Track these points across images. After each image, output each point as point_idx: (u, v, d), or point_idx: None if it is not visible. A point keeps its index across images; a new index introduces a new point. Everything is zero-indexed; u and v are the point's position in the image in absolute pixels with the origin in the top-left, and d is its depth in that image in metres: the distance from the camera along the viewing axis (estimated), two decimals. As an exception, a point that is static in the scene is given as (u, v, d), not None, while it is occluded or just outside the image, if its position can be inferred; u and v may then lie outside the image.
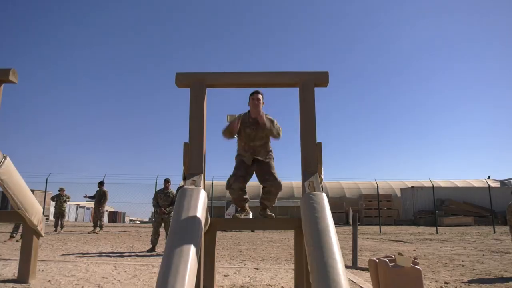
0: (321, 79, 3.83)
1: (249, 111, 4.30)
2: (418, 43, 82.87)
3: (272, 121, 4.22)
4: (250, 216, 4.78)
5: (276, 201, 4.42)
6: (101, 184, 14.09)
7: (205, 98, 3.80)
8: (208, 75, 3.86)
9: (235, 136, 4.38)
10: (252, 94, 4.24)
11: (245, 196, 4.34)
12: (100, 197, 13.77)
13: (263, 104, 4.24)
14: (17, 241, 9.59)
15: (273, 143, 4.49)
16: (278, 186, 4.26)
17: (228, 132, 4.20)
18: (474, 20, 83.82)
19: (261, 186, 4.37)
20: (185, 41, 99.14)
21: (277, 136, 4.27)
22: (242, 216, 4.40)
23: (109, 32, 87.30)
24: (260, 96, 4.20)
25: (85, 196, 14.17)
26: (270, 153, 4.43)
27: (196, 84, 3.80)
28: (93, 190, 14.25)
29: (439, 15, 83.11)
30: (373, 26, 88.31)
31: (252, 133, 4.25)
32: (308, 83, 3.78)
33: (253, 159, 4.32)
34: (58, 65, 77.03)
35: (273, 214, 4.42)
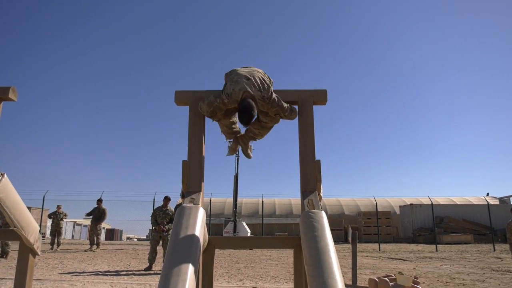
0: (320, 97, 3.85)
1: None
2: (416, 58, 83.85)
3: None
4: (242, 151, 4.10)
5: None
6: (99, 201, 14.00)
7: (204, 116, 3.82)
8: (206, 93, 3.88)
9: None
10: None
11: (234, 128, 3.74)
12: (99, 215, 13.66)
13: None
14: (4, 257, 9.51)
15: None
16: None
17: (213, 114, 3.54)
18: (475, 23, 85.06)
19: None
20: (184, 58, 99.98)
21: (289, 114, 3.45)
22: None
23: (107, 52, 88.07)
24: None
25: (87, 215, 14.06)
26: None
27: (195, 102, 3.82)
28: (90, 208, 14.15)
29: (439, 29, 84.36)
30: (372, 41, 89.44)
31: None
32: (307, 101, 3.80)
33: None
34: (56, 82, 77.39)
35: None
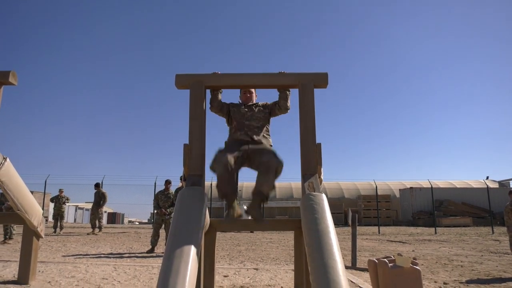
0: (321, 80, 3.84)
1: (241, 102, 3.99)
2: (416, 43, 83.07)
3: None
4: (243, 213, 3.98)
5: (275, 186, 3.62)
6: (97, 186, 14.03)
7: (204, 99, 3.82)
8: (207, 77, 3.87)
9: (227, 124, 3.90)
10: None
11: (233, 184, 3.52)
12: (99, 199, 13.74)
13: (256, 97, 4.00)
14: (4, 242, 9.61)
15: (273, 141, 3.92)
16: (279, 162, 3.44)
17: (212, 107, 3.82)
18: (474, 20, 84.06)
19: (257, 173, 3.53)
20: (184, 42, 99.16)
21: (288, 107, 3.75)
22: (234, 212, 3.65)
23: (108, 38, 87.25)
24: (252, 90, 3.96)
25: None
26: (268, 136, 3.83)
27: (196, 85, 3.81)
28: (92, 192, 14.23)
29: (438, 16, 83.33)
30: (372, 27, 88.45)
31: (248, 112, 3.80)
32: (308, 85, 3.80)
33: (248, 141, 3.64)
34: (57, 67, 77.00)
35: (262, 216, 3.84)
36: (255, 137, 3.68)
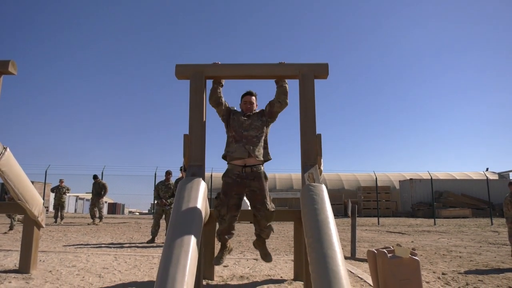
0: (321, 70, 3.83)
1: (241, 110, 3.90)
2: (417, 33, 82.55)
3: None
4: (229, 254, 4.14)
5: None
6: (95, 177, 14.00)
7: (204, 89, 3.80)
8: (207, 67, 3.85)
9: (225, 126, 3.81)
10: (243, 95, 3.87)
11: (233, 231, 3.75)
12: (100, 190, 13.75)
13: (256, 107, 3.88)
14: (5, 232, 9.65)
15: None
16: (270, 216, 3.65)
17: (211, 100, 3.79)
18: (475, 6, 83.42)
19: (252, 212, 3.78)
20: (184, 33, 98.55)
21: (287, 100, 3.76)
22: (224, 259, 3.89)
23: (109, 26, 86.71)
24: (253, 98, 3.85)
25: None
26: (266, 147, 3.77)
27: (196, 76, 3.80)
28: (92, 182, 14.23)
29: (442, 16, 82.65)
30: (375, 20, 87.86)
31: (246, 121, 3.71)
32: (308, 75, 3.78)
33: (245, 169, 3.60)
34: (57, 59, 76.67)
35: (271, 255, 4.06)
36: (254, 153, 3.58)
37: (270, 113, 3.80)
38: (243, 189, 3.62)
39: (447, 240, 9.86)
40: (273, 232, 3.92)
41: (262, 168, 3.71)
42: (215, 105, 3.78)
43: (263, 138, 3.72)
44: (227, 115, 3.80)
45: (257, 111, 3.86)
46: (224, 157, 3.74)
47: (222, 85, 3.88)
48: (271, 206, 3.66)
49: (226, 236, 3.72)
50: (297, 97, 3.77)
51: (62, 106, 70.13)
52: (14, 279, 4.15)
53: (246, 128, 3.66)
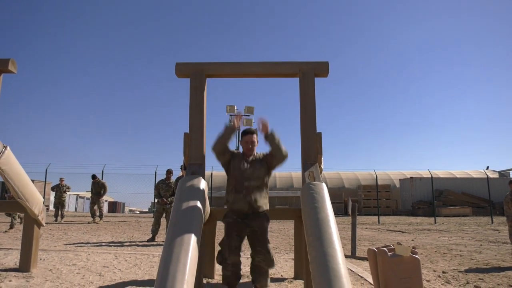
0: (321, 69, 3.82)
1: (243, 152, 3.69)
2: (417, 34, 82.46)
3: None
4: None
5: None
6: (94, 177, 13.96)
7: (205, 88, 3.80)
8: (207, 65, 3.85)
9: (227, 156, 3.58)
10: (244, 134, 3.64)
11: (240, 274, 3.62)
12: (99, 189, 13.74)
13: (257, 144, 3.66)
14: (5, 231, 9.65)
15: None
16: (271, 262, 3.49)
17: (216, 147, 3.47)
18: (473, 18, 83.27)
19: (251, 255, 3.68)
20: (184, 31, 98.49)
21: (284, 154, 3.48)
22: None
23: (109, 25, 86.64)
24: (254, 137, 3.61)
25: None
26: (266, 195, 3.66)
27: (196, 74, 3.80)
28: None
29: (442, 12, 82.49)
30: (375, 18, 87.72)
31: (248, 170, 3.51)
32: (308, 73, 3.78)
33: (247, 212, 3.48)
34: (57, 57, 76.66)
35: None
36: (256, 205, 3.47)
37: (270, 164, 3.61)
38: (244, 229, 3.48)
39: (448, 239, 9.86)
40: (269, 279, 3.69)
41: (264, 208, 3.60)
42: (219, 154, 3.51)
43: (264, 189, 3.61)
44: (228, 158, 3.59)
45: (260, 157, 3.64)
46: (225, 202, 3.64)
47: (232, 138, 3.59)
48: (272, 252, 3.51)
49: (235, 282, 3.57)
50: (298, 95, 3.76)
51: (62, 104, 70.20)
52: (14, 277, 4.15)
53: (247, 177, 3.48)
